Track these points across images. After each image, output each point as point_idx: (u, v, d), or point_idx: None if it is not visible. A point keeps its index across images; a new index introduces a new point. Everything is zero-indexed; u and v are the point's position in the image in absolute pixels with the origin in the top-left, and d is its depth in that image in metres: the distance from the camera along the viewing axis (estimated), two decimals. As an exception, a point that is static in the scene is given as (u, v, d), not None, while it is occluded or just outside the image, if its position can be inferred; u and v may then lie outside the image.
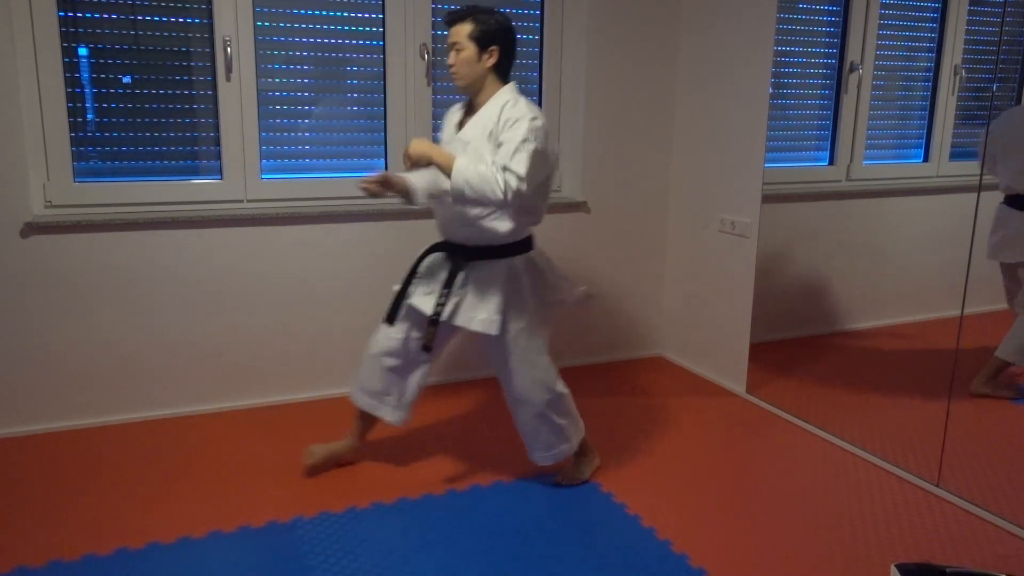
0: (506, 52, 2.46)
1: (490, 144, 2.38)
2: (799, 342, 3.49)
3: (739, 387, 3.63)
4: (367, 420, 2.80)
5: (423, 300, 2.57)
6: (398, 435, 3.12)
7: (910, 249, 3.04)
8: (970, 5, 2.78)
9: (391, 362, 2.68)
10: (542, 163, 2.39)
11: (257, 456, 2.93)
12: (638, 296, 4.06)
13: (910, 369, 3.09)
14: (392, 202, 3.48)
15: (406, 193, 2.58)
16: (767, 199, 3.40)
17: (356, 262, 3.47)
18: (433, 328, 2.52)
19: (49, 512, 2.53)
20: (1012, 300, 2.79)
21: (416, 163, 2.35)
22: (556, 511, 2.60)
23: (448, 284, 2.51)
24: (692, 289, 3.92)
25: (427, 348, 2.56)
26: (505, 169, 2.28)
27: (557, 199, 3.79)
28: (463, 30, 2.41)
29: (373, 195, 2.53)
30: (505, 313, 2.49)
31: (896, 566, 2.08)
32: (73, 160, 3.05)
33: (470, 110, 2.53)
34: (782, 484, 2.78)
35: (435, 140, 2.66)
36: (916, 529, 2.50)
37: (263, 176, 3.31)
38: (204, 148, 3.24)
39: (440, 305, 2.50)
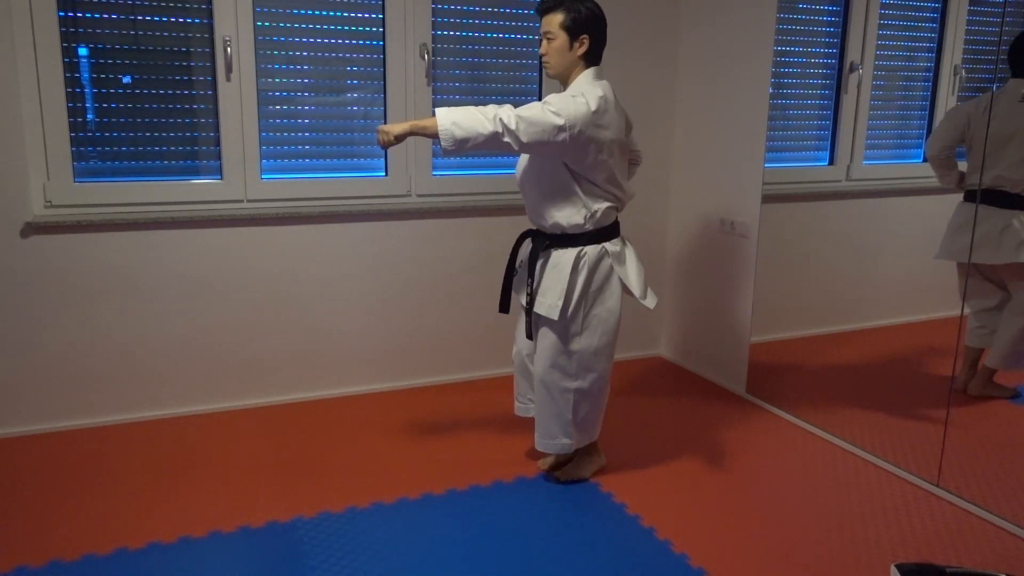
0: (597, 40, 2.47)
1: None
2: (799, 342, 3.49)
3: (739, 387, 3.63)
4: None
5: (520, 289, 2.69)
6: (397, 435, 3.12)
7: (910, 249, 3.04)
8: (970, 5, 2.78)
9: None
10: (586, 124, 2.35)
11: (257, 456, 2.93)
12: (638, 296, 4.06)
13: (910, 369, 3.08)
14: (392, 202, 3.50)
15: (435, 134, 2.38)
16: (767, 199, 3.40)
17: (356, 262, 3.47)
18: (529, 317, 2.59)
19: (49, 512, 2.53)
20: (972, 299, 2.75)
21: (400, 138, 2.33)
22: (556, 511, 2.60)
23: (531, 272, 2.56)
24: (692, 289, 3.92)
25: (529, 336, 2.62)
26: (503, 108, 2.30)
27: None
28: (555, 19, 2.43)
29: (385, 145, 2.39)
30: (566, 299, 2.53)
31: (896, 566, 2.08)
32: (73, 160, 3.05)
33: None
34: (782, 484, 2.78)
35: None
36: (916, 529, 2.50)
37: (263, 176, 3.31)
38: (204, 148, 3.24)
39: (529, 295, 2.57)
